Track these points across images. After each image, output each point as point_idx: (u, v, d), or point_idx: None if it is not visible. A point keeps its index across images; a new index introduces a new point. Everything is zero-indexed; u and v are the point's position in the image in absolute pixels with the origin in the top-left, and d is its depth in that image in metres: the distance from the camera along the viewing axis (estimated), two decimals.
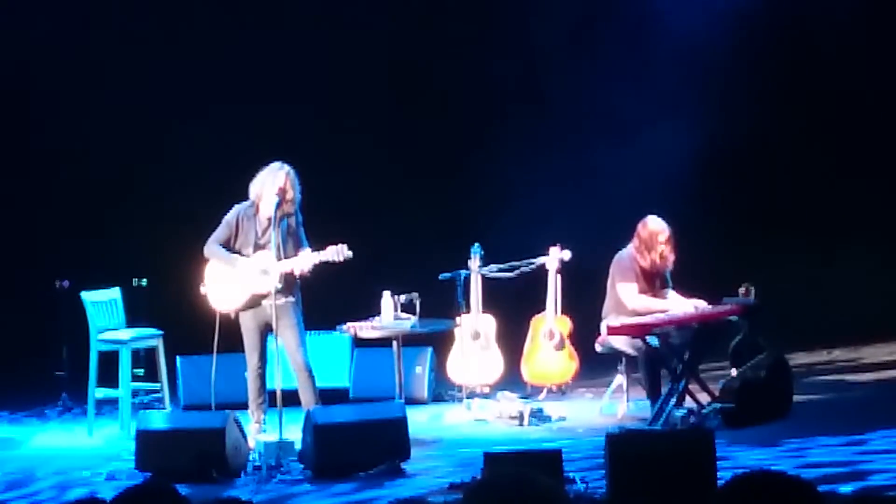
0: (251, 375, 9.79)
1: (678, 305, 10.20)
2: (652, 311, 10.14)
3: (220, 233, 9.75)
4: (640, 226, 10.31)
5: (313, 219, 9.81)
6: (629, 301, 10.21)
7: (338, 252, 9.48)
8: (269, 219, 9.51)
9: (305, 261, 9.54)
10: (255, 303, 9.64)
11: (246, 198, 9.70)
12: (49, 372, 11.71)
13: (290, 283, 9.63)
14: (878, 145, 13.69)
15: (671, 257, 10.26)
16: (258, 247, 9.64)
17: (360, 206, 13.17)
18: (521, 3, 13.76)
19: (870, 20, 13.47)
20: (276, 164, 9.65)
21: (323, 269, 9.63)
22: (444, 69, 13.65)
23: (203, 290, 9.78)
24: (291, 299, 9.65)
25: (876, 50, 13.49)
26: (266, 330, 9.66)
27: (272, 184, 9.56)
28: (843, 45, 13.45)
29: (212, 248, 9.74)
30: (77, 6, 13.13)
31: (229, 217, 9.74)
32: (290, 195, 9.57)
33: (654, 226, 10.27)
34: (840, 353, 12.61)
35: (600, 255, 10.58)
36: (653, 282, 10.30)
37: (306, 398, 9.62)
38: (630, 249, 10.35)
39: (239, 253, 9.68)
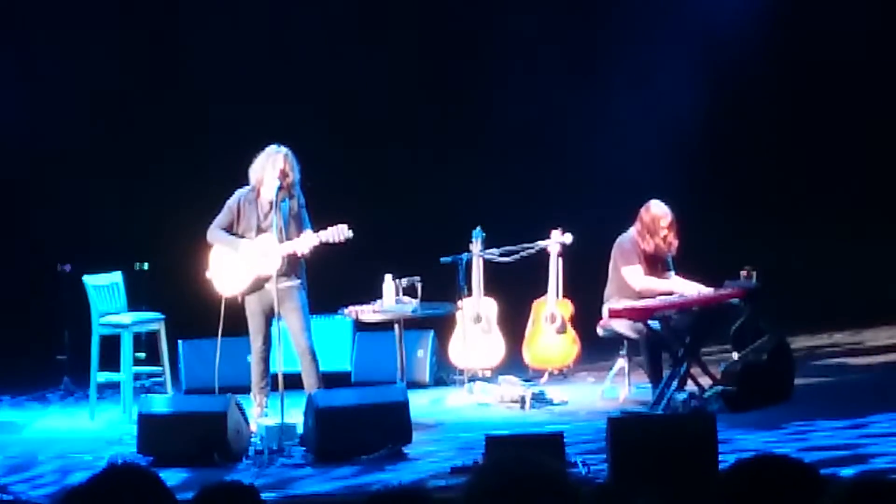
0: (255, 359, 9.79)
1: (684, 287, 10.18)
2: (658, 293, 10.12)
3: (222, 218, 9.74)
4: (642, 210, 10.30)
5: (315, 201, 9.79)
6: (635, 283, 10.19)
7: (338, 232, 9.45)
8: (271, 202, 9.51)
9: (306, 242, 9.52)
10: (258, 286, 9.63)
11: (247, 182, 9.69)
12: (51, 356, 11.71)
13: (293, 266, 9.62)
14: (884, 130, 13.65)
15: (675, 242, 10.25)
16: (260, 230, 9.63)
17: (362, 189, 13.14)
18: None
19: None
20: (272, 147, 9.63)
21: (324, 251, 9.62)
22: (448, 54, 13.61)
23: (209, 275, 9.78)
24: (296, 282, 9.65)
25: (887, 34, 13.47)
26: (270, 314, 9.62)
27: (272, 167, 9.54)
28: (854, 29, 13.41)
29: (214, 232, 9.73)
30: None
31: (231, 202, 9.74)
32: (290, 177, 9.56)
33: (657, 210, 10.25)
34: (842, 337, 12.60)
35: (602, 238, 10.56)
36: (655, 266, 10.29)
37: (309, 382, 9.61)
38: (632, 233, 10.33)
39: (242, 237, 9.67)
